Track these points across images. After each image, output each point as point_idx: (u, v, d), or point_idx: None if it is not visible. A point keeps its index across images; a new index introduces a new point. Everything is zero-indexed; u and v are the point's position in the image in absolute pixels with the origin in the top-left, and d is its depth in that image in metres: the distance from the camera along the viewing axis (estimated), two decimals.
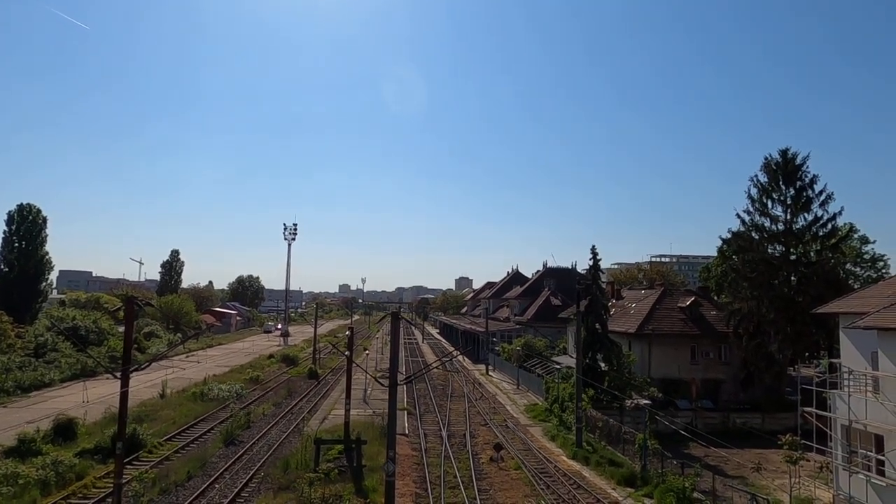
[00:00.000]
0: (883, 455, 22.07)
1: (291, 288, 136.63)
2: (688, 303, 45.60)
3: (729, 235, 43.72)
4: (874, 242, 61.30)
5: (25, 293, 67.06)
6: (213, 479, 24.77)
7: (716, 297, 52.98)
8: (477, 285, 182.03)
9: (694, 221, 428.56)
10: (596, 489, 24.80)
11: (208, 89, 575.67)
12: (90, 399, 39.45)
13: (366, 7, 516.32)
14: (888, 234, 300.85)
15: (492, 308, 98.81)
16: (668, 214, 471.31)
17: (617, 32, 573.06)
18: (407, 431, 35.02)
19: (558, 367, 46.42)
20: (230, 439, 31.65)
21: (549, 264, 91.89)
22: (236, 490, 23.35)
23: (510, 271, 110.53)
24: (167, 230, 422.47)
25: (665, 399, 39.08)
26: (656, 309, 45.18)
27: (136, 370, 18.43)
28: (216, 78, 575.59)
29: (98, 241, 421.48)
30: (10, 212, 69.41)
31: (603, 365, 39.51)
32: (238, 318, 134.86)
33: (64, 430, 29.39)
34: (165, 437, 31.33)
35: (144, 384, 45.34)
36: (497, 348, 70.60)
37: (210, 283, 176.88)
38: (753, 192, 41.48)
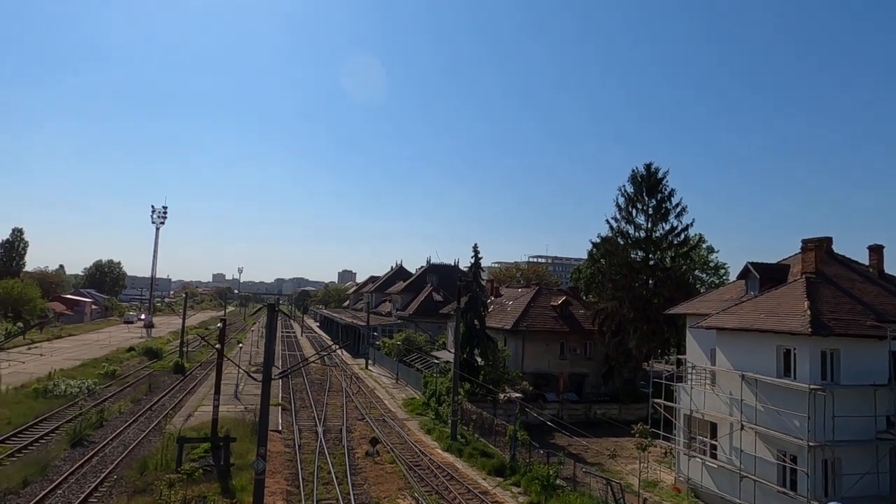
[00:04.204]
0: (716, 440, 24.95)
1: (159, 275, 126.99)
2: (559, 302, 48.44)
3: (598, 240, 46.93)
4: (718, 252, 69.28)
5: None
6: (55, 484, 22.37)
7: (584, 297, 56.74)
8: (361, 279, 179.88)
9: (570, 224, 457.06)
10: (467, 480, 25.60)
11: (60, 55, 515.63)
12: None
13: None
14: (729, 246, 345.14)
15: (374, 302, 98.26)
16: (547, 217, 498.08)
17: (511, 32, 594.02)
18: (280, 428, 33.89)
19: (437, 361, 47.28)
20: (78, 440, 28.76)
21: (433, 260, 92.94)
22: (83, 496, 21.26)
23: (394, 266, 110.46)
24: (8, 209, 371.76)
25: (535, 392, 41.25)
26: (531, 307, 47.52)
27: None
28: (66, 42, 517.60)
29: None
30: None
31: (480, 360, 40.89)
32: (94, 306, 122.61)
33: None
34: None
35: None
36: (378, 343, 70.40)
37: (61, 266, 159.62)
38: (621, 200, 44.83)
